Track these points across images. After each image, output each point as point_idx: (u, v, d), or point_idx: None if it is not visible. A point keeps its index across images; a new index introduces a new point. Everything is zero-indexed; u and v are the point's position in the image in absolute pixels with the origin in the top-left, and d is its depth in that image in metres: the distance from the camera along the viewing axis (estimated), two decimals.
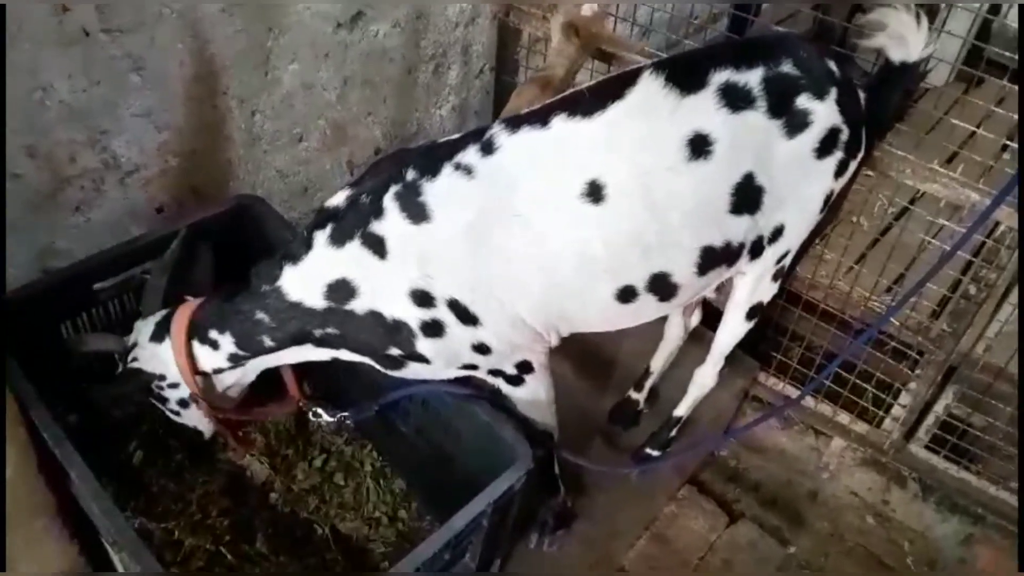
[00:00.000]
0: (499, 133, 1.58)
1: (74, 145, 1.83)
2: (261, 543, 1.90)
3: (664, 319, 2.31)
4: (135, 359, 1.76)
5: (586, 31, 2.22)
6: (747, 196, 1.63)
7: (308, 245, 1.61)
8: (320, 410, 1.91)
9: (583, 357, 2.55)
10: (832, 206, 1.82)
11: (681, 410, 2.31)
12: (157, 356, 1.73)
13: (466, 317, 1.59)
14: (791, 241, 1.79)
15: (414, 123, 2.73)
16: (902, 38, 1.75)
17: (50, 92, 1.74)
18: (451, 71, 2.74)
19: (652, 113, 1.57)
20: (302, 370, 1.95)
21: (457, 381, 1.77)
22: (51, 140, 1.79)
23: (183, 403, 1.80)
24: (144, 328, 1.77)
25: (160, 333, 1.74)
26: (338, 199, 1.63)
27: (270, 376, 1.91)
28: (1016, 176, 1.70)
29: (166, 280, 1.83)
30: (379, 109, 2.56)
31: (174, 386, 1.76)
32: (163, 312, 1.78)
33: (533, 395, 1.80)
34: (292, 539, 1.94)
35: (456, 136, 1.63)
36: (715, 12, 3.12)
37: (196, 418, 1.86)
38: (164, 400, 1.80)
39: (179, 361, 1.71)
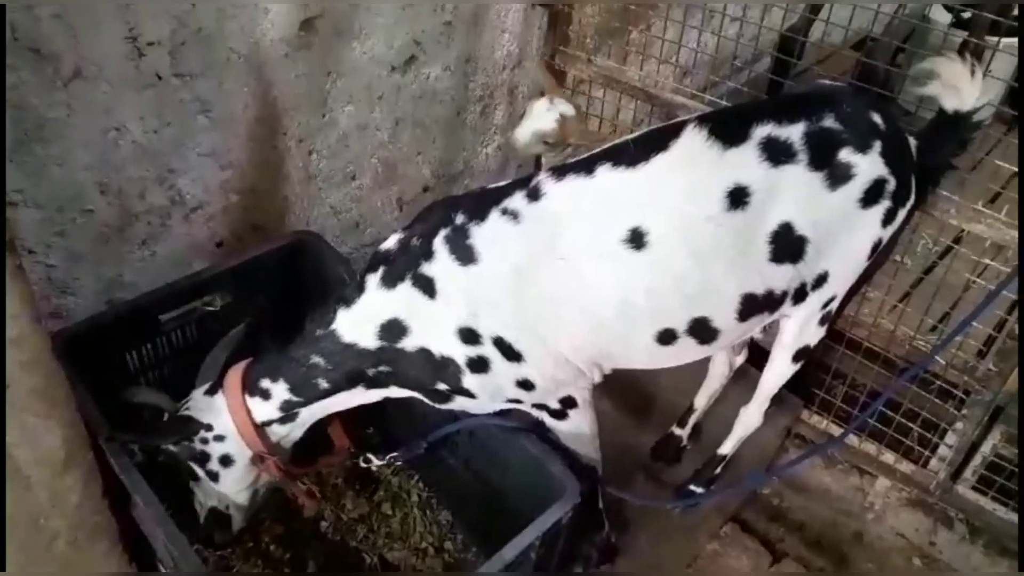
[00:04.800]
0: (545, 180, 1.63)
1: (144, 182, 1.92)
2: (312, 570, 1.94)
3: (709, 356, 2.32)
4: (187, 409, 1.75)
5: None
6: (787, 245, 1.65)
7: (361, 288, 1.66)
8: (371, 455, 1.92)
9: (625, 393, 2.56)
10: (883, 252, 1.83)
11: (726, 448, 2.31)
12: (209, 406, 1.73)
13: (510, 354, 1.63)
14: (837, 287, 1.80)
15: (461, 162, 2.80)
16: (955, 88, 1.74)
17: (124, 132, 1.83)
18: (497, 111, 2.82)
19: (695, 165, 1.61)
20: (355, 415, 1.90)
21: (504, 414, 1.79)
22: (123, 177, 1.88)
23: (226, 460, 1.74)
24: (199, 389, 1.79)
25: (214, 388, 1.76)
26: (390, 243, 1.68)
27: (315, 435, 1.86)
28: None
29: (226, 356, 1.85)
30: (428, 149, 2.63)
31: (220, 439, 1.72)
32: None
33: (577, 429, 1.83)
34: (342, 567, 1.98)
35: (504, 183, 1.69)
36: (757, 53, 3.15)
37: (235, 480, 1.78)
38: (205, 459, 1.74)
39: (237, 418, 1.70)
